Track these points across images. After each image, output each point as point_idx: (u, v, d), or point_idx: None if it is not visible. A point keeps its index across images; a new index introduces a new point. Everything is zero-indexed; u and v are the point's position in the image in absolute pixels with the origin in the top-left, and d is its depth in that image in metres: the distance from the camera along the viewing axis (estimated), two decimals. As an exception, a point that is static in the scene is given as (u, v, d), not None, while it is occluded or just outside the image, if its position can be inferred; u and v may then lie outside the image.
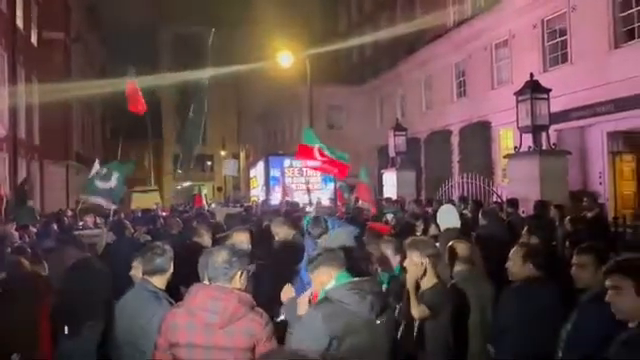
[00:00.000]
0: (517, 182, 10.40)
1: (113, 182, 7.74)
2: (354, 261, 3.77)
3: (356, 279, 2.81)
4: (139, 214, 12.54)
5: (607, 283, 2.15)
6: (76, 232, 7.37)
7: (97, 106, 37.32)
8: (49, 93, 22.87)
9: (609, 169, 14.81)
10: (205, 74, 29.42)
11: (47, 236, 6.93)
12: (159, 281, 3.05)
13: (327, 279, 2.86)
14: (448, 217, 5.45)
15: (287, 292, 3.38)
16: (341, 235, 3.92)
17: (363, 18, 32.29)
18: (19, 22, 21.29)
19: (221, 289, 2.59)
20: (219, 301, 2.53)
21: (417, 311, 3.28)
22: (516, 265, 3.45)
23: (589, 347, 2.52)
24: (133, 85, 10.37)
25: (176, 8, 44.26)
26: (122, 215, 9.77)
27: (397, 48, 27.16)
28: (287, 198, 14.00)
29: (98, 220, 9.01)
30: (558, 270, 3.48)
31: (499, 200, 11.24)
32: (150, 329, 2.79)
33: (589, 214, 7.75)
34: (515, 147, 10.75)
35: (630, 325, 2.10)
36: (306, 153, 8.56)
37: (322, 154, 8.41)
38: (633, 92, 12.63)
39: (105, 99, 35.00)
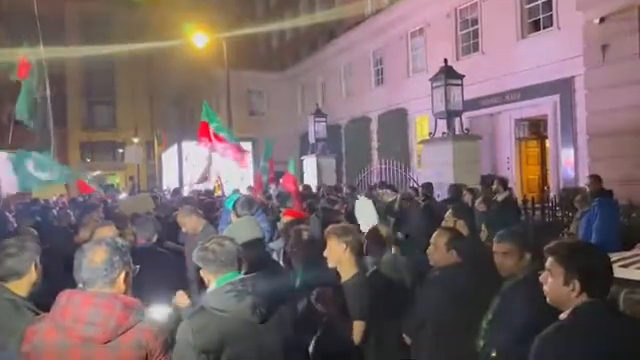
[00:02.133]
0: (432, 167, 10.58)
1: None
2: (260, 254, 3.45)
3: (237, 278, 2.47)
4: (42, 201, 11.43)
5: (546, 264, 2.01)
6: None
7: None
8: None
9: (516, 154, 15.61)
10: (112, 50, 27.53)
11: None
12: (17, 287, 2.48)
13: (207, 282, 2.53)
14: (365, 211, 5.16)
15: (180, 299, 2.97)
16: (245, 225, 3.55)
17: (282, 1, 31.75)
18: None
19: (100, 295, 2.12)
20: (99, 309, 2.07)
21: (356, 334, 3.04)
22: (439, 251, 3.30)
23: (509, 336, 2.40)
24: (25, 60, 9.28)
25: (84, -16, 41.05)
26: (12, 206, 8.72)
27: (317, 34, 27.00)
28: (195, 184, 13.32)
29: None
30: (478, 255, 3.36)
31: (415, 185, 11.40)
32: (8, 347, 2.30)
33: (499, 197, 7.97)
34: (430, 133, 10.91)
35: (561, 316, 1.96)
36: (204, 132, 7.88)
37: (218, 137, 7.77)
38: (538, 81, 13.32)
39: (0, 80, 31.88)
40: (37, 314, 2.38)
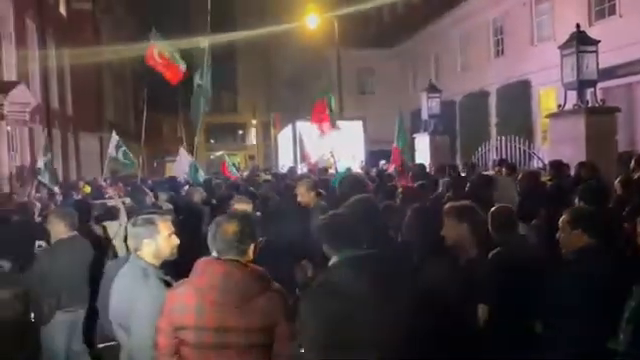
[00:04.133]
0: (560, 143, 9.71)
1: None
2: (378, 231, 3.40)
3: (355, 254, 2.47)
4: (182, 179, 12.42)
5: None
6: (100, 201, 7.28)
7: (129, 77, 37.55)
8: (80, 64, 22.96)
9: (660, 128, 13.86)
10: (235, 37, 28.86)
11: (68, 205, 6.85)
12: (147, 255, 2.71)
13: (328, 256, 2.54)
14: (507, 190, 4.86)
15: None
16: (360, 202, 3.51)
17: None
18: (46, -8, 21.22)
19: (233, 264, 2.29)
20: (231, 277, 2.24)
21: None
22: (564, 233, 3.00)
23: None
24: (153, 50, 9.85)
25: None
26: (149, 182, 9.72)
27: (431, 6, 25.93)
28: (308, 163, 13.59)
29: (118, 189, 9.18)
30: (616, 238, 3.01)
31: (542, 163, 10.61)
32: (135, 309, 2.55)
33: (635, 176, 7.09)
34: (559, 106, 10.02)
35: None
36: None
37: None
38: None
39: (136, 70, 35.15)
40: (167, 282, 2.59)
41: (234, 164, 19.02)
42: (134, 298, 2.58)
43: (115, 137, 9.35)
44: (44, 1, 20.72)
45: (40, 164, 8.57)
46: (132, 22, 39.08)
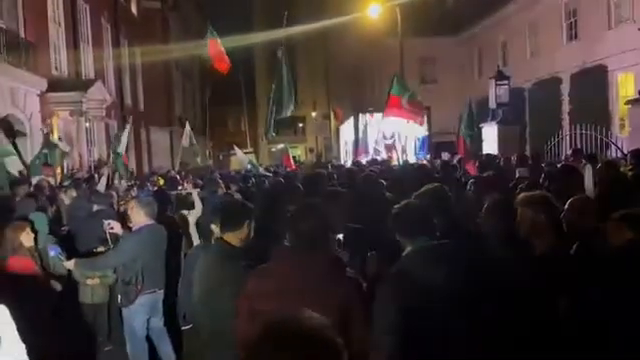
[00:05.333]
0: (642, 131, 9.14)
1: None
2: (449, 221, 3.36)
3: (430, 243, 2.45)
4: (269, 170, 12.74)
5: None
6: (175, 192, 7.64)
7: (196, 73, 38.83)
8: (151, 61, 23.99)
9: None
10: (295, 31, 29.07)
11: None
12: (233, 239, 2.85)
13: (402, 245, 2.54)
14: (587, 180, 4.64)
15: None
16: (431, 192, 3.46)
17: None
18: (119, -8, 22.26)
19: (310, 251, 2.36)
20: (308, 264, 2.32)
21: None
22: (612, 234, 2.85)
23: None
24: (215, 43, 10.25)
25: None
26: (217, 174, 10.15)
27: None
28: (362, 157, 13.59)
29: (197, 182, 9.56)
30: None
31: (621, 153, 10.00)
32: (218, 292, 2.69)
33: None
34: (639, 91, 9.42)
35: None
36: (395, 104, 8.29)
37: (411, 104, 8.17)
38: None
39: (203, 66, 36.30)
40: (249, 263, 2.69)
41: (294, 157, 19.36)
42: (217, 281, 2.70)
43: (188, 128, 9.85)
44: (117, 1, 21.79)
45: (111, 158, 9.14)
46: (199, 19, 40.34)
